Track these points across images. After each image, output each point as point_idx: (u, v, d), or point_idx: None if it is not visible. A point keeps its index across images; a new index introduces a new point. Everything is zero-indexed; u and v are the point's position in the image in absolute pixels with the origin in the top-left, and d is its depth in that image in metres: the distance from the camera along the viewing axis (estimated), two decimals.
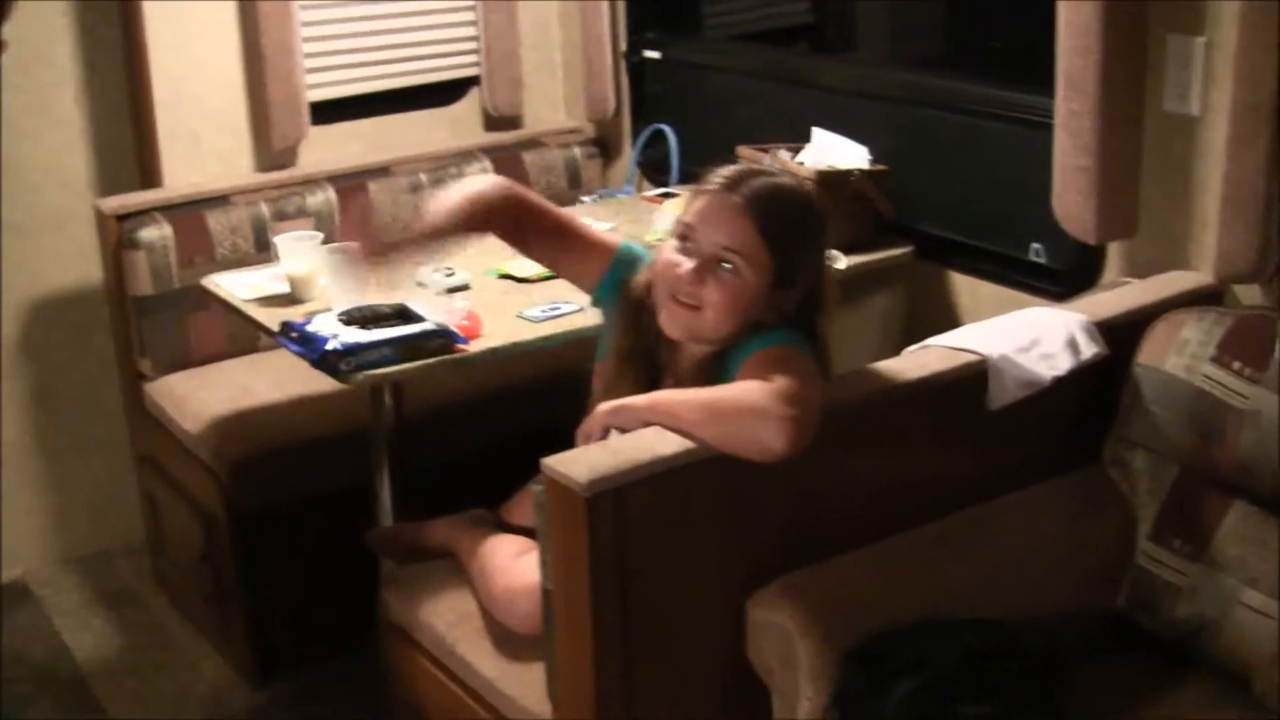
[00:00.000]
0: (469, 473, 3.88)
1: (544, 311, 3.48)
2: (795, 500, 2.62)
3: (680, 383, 2.68)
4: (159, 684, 4.11)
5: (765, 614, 2.55)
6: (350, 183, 4.57)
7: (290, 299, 3.64)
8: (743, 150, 4.01)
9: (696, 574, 2.57)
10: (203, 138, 4.49)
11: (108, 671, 4.19)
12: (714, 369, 2.64)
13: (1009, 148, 3.70)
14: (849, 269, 3.65)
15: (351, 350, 3.13)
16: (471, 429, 4.15)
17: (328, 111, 4.67)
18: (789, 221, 2.61)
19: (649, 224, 4.07)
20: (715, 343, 2.64)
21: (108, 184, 4.50)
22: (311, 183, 4.53)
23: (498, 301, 3.60)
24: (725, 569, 2.59)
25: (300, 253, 3.62)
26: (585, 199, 4.66)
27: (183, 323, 4.30)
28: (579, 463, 2.41)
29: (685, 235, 2.62)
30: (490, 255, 3.80)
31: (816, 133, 3.93)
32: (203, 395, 4.17)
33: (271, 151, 4.56)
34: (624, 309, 2.78)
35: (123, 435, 4.64)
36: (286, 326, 3.30)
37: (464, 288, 3.68)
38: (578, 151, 4.95)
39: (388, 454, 3.48)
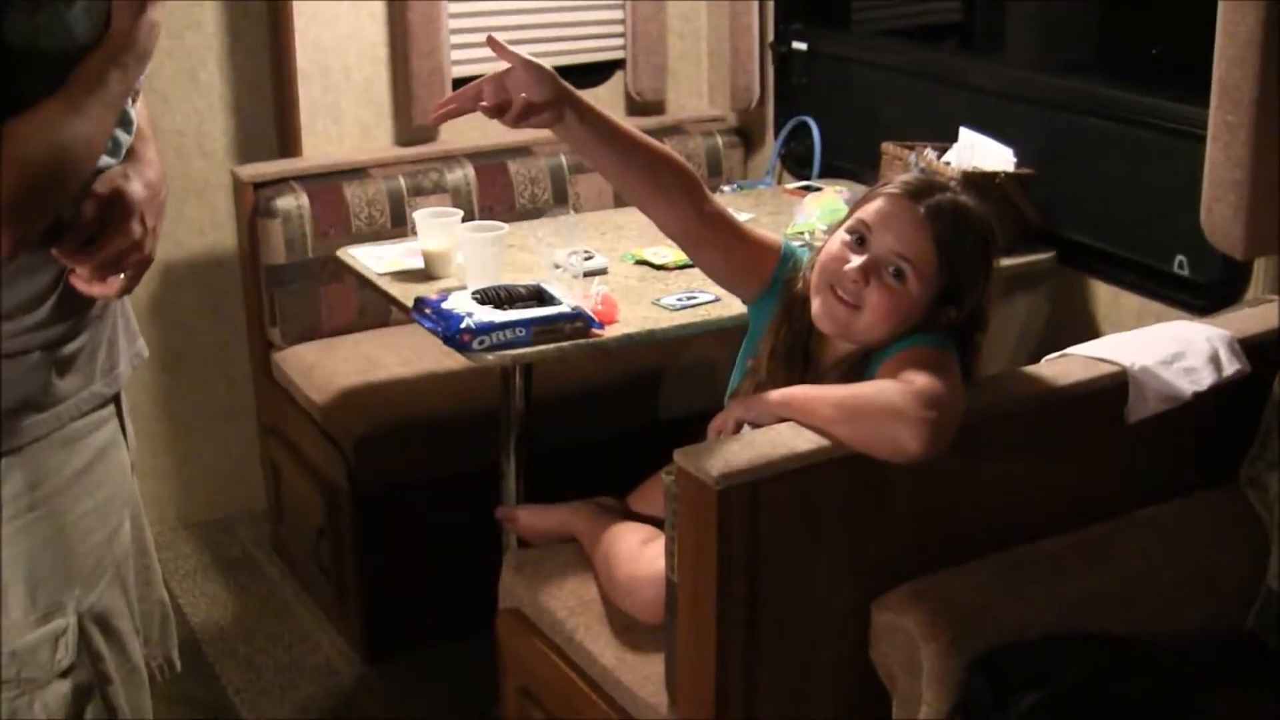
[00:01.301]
0: (596, 457, 3.88)
1: (680, 300, 3.43)
2: (927, 504, 2.58)
3: (823, 378, 2.63)
4: (272, 653, 4.12)
5: (891, 617, 2.50)
6: (490, 161, 4.56)
7: (425, 275, 3.62)
8: (888, 147, 3.95)
9: (824, 573, 2.53)
10: (344, 109, 4.51)
11: (221, 637, 4.20)
12: (858, 367, 2.59)
13: (1158, 157, 3.64)
14: None
15: (485, 329, 3.10)
16: (601, 413, 4.13)
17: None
18: (966, 242, 2.55)
19: (789, 217, 4.02)
20: (864, 343, 2.59)
21: (247, 152, 4.52)
22: (450, 159, 4.53)
23: (634, 288, 3.56)
24: (852, 569, 2.55)
25: (438, 229, 3.60)
26: (725, 188, 4.61)
27: (315, 294, 4.30)
28: (712, 455, 2.37)
29: (858, 232, 2.55)
30: (628, 240, 3.79)
31: (964, 133, 3.87)
32: (331, 367, 4.17)
33: (411, 126, 4.57)
34: (781, 306, 2.73)
35: (249, 403, 4.66)
36: (420, 302, 3.27)
37: (601, 272, 3.63)
38: (720, 140, 4.91)
39: (515, 435, 3.44)
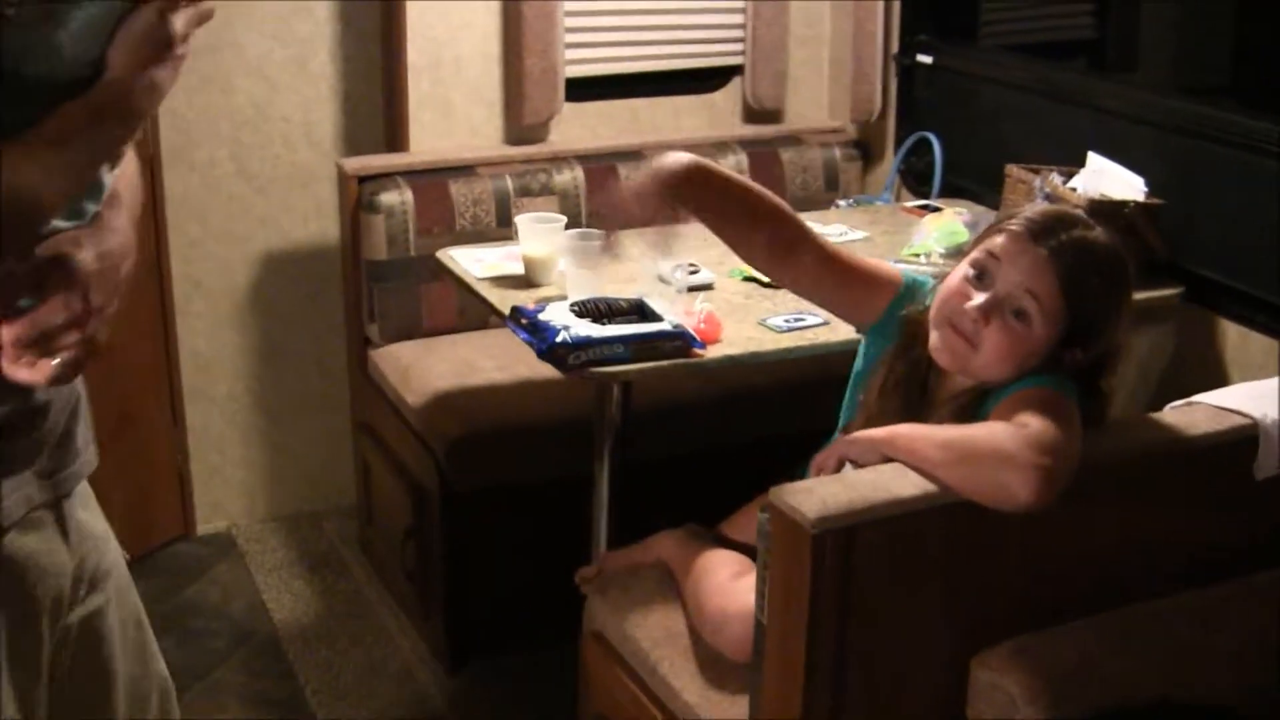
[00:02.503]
0: (689, 472, 3.82)
1: (787, 321, 3.31)
2: (1034, 556, 2.43)
3: (936, 413, 2.53)
4: (352, 655, 4.04)
5: (991, 676, 2.36)
6: (600, 163, 4.43)
7: (525, 281, 3.52)
8: (1012, 170, 3.81)
9: (920, 624, 2.40)
10: (454, 105, 4.41)
11: (302, 636, 4.13)
12: (973, 405, 2.48)
13: None
14: None
15: (582, 344, 2.99)
16: (697, 429, 4.00)
17: (583, 89, 4.56)
18: (1094, 283, 2.43)
19: (905, 236, 3.88)
20: (982, 381, 2.48)
21: (353, 144, 4.45)
22: (560, 160, 4.43)
23: (740, 305, 3.44)
24: (951, 622, 2.41)
25: (540, 235, 3.50)
26: (841, 203, 4.48)
27: (415, 292, 4.22)
28: (810, 496, 2.25)
29: (980, 268, 2.46)
30: (735, 256, 3.66)
31: (1093, 158, 3.72)
32: (428, 368, 4.08)
33: (522, 125, 4.47)
34: (902, 338, 2.63)
35: (343, 398, 4.58)
36: (517, 312, 3.17)
37: (706, 287, 3.52)
38: (838, 152, 4.75)
39: (609, 450, 3.33)
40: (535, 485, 3.84)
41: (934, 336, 2.48)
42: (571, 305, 3.14)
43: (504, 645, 3.98)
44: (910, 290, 2.65)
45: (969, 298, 2.43)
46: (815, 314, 3.29)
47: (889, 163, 4.71)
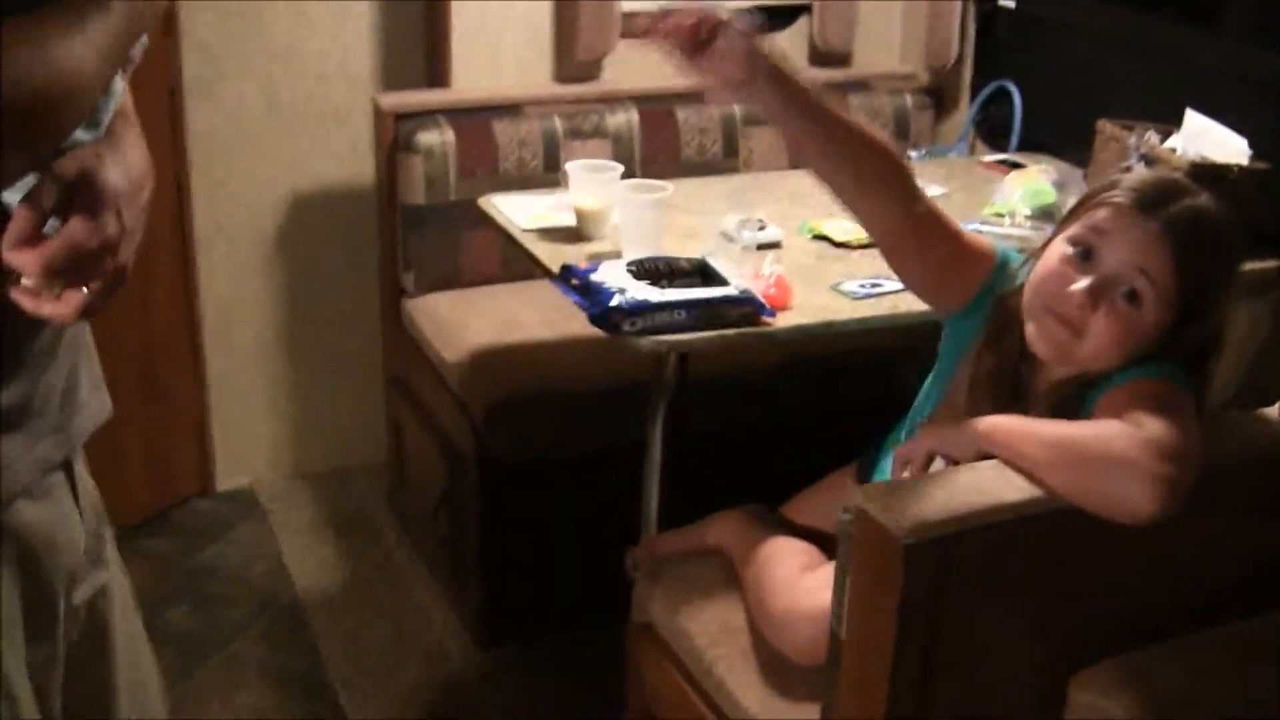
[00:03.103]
0: (749, 446, 3.59)
1: (863, 287, 3.04)
2: (1145, 568, 2.17)
3: (1032, 407, 2.26)
4: (379, 627, 3.79)
5: (1093, 699, 2.12)
6: (656, 106, 4.15)
7: (576, 235, 3.25)
8: (1105, 126, 3.53)
9: (1016, 642, 2.14)
10: (500, 40, 4.11)
11: (328, 605, 3.88)
12: (1074, 397, 2.22)
13: None
14: None
15: (639, 309, 2.72)
16: (758, 398, 3.73)
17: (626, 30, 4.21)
18: (1211, 256, 2.15)
19: (984, 194, 3.60)
20: (1086, 370, 2.20)
21: (393, 80, 4.16)
22: (613, 101, 4.15)
23: (811, 266, 3.17)
24: (1050, 639, 2.16)
25: (594, 185, 3.22)
26: (912, 154, 4.19)
27: (454, 239, 3.93)
28: (901, 500, 1.98)
29: (1083, 244, 2.17)
30: (806, 209, 3.40)
31: (1191, 116, 3.42)
32: (467, 322, 3.81)
33: (574, 62, 4.17)
34: (991, 325, 2.35)
35: (376, 351, 4.32)
36: (568, 271, 2.90)
37: (774, 245, 3.25)
38: (909, 100, 4.45)
39: (663, 423, 3.05)
40: (582, 455, 3.58)
41: (1031, 327, 2.21)
42: (628, 265, 2.86)
43: (542, 626, 3.72)
44: (1003, 269, 2.37)
45: (1071, 280, 2.15)
46: (893, 278, 2.99)
47: (964, 113, 4.43)
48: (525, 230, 3.27)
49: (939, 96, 4.53)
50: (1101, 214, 2.16)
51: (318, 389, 4.43)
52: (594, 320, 2.73)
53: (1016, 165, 3.86)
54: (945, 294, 2.42)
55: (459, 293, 3.98)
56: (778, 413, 3.72)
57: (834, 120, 2.24)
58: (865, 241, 3.20)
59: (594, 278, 2.80)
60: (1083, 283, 2.13)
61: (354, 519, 4.30)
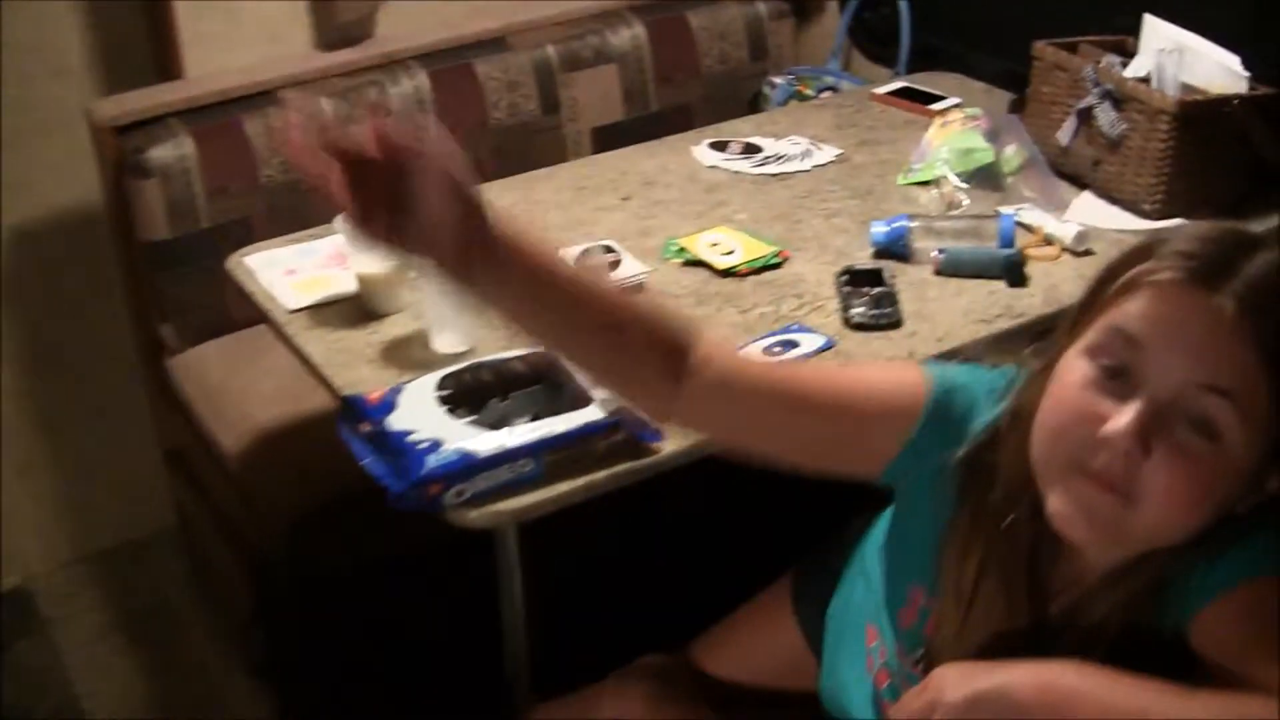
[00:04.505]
0: (629, 571, 2.80)
1: (776, 344, 2.20)
2: None
3: (1078, 614, 1.49)
4: None
5: None
6: (449, 62, 3.30)
7: (363, 307, 2.40)
8: (1044, 51, 2.75)
9: None
10: (237, 7, 3.21)
11: None
12: (1145, 599, 1.45)
13: None
14: None
15: (464, 470, 1.88)
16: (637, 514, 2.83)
17: None
18: None
19: (897, 152, 2.85)
20: (1146, 547, 1.44)
21: (116, 75, 3.25)
22: (395, 65, 3.27)
23: (692, 316, 2.32)
24: None
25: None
26: (776, 81, 3.36)
27: (216, 274, 2.92)
28: None
29: (1113, 360, 1.39)
30: (667, 212, 2.64)
31: (1154, 25, 2.61)
32: (244, 387, 2.96)
33: (336, 22, 3.29)
34: (961, 490, 1.57)
35: (145, 407, 3.44)
36: (354, 410, 2.04)
37: (638, 288, 2.41)
38: (763, 9, 3.61)
39: (519, 599, 2.25)
40: (399, 556, 2.76)
41: (1055, 499, 1.42)
42: (440, 383, 2.03)
43: None
44: (946, 401, 1.58)
45: (1102, 416, 1.37)
46: (812, 328, 2.21)
47: (834, 20, 3.56)
48: (293, 312, 2.39)
49: (799, 2, 3.69)
50: (1136, 304, 1.38)
51: (86, 457, 3.57)
52: (399, 502, 1.88)
53: (921, 96, 3.05)
54: (865, 461, 1.61)
55: (232, 340, 3.12)
56: (666, 522, 2.88)
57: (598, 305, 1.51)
58: (762, 260, 2.41)
59: (393, 422, 1.95)
60: (1122, 419, 1.35)
61: (152, 611, 3.50)
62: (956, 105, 2.99)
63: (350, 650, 2.86)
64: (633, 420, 1.97)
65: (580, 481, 1.95)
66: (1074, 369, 1.40)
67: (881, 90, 3.16)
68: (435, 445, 1.89)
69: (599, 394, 1.99)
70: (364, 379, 2.18)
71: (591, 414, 1.96)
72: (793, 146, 2.88)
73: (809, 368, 1.71)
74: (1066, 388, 1.40)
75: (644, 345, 1.51)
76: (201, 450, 3.04)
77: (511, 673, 2.32)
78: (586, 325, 1.49)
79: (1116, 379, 1.37)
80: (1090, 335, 1.40)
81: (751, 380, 1.54)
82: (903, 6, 3.32)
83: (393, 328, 2.34)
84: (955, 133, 2.73)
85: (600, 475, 1.96)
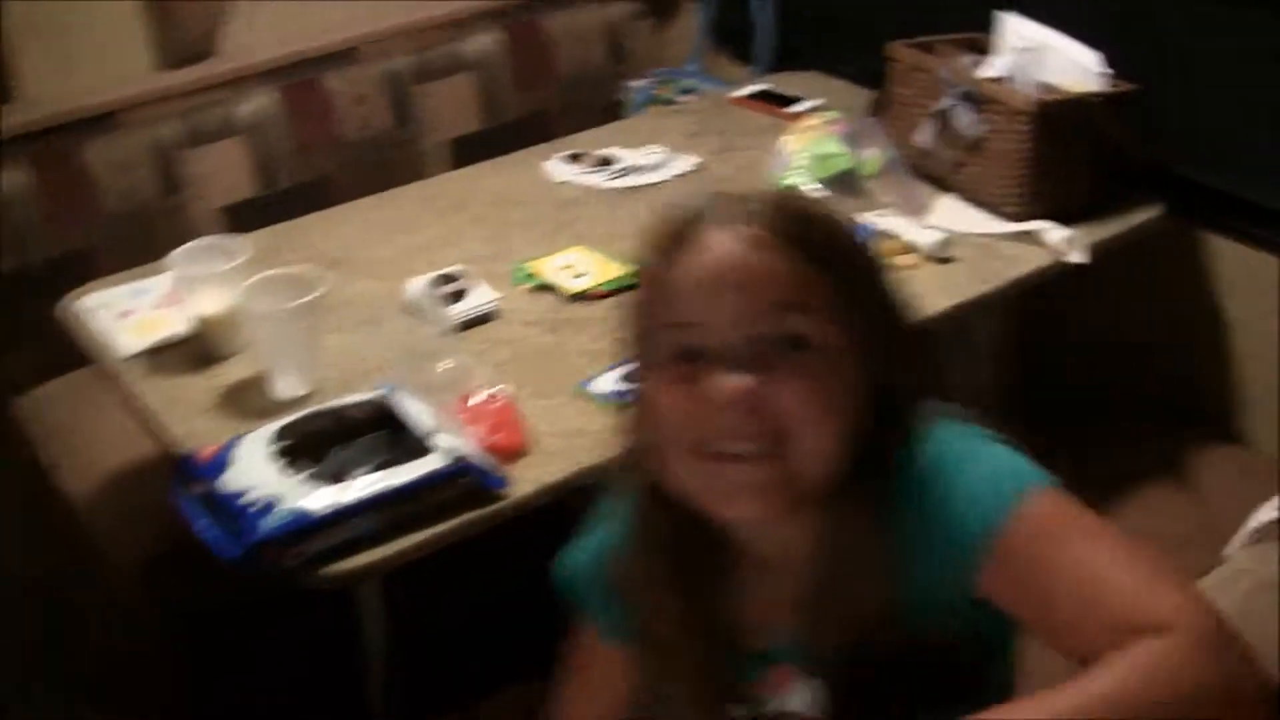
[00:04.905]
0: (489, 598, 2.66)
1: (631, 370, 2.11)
2: None
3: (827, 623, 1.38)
4: None
5: None
6: (297, 77, 3.24)
7: (202, 350, 2.28)
8: (901, 51, 2.66)
9: None
10: (72, 24, 3.08)
11: None
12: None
13: None
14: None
15: (302, 530, 1.78)
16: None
17: None
18: (820, 231, 1.35)
19: (754, 157, 2.79)
20: (802, 494, 1.31)
21: None
22: (241, 81, 3.20)
23: (542, 350, 2.27)
24: None
25: (212, 282, 2.23)
26: (636, 85, 3.27)
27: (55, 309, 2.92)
28: None
29: (676, 345, 1.30)
30: (516, 231, 2.61)
31: (1008, 23, 2.56)
32: (92, 428, 2.87)
33: (178, 39, 3.18)
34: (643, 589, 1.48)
35: None
36: (186, 470, 1.93)
37: (484, 320, 2.31)
38: (620, 10, 3.57)
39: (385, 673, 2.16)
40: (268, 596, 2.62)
41: (709, 496, 1.32)
42: (277, 435, 1.92)
43: None
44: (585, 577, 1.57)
45: (708, 394, 1.28)
46: None
47: (692, 19, 3.47)
48: (130, 358, 2.29)
49: (657, 1, 3.63)
50: (676, 286, 1.31)
51: None
52: (237, 567, 1.78)
53: (780, 99, 3.00)
54: None
55: (81, 376, 2.96)
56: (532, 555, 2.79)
57: None
58: (614, 283, 2.34)
59: (225, 483, 1.85)
60: (724, 381, 1.27)
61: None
62: (816, 108, 2.92)
63: (211, 691, 2.75)
64: (473, 467, 1.88)
65: (425, 534, 1.86)
66: (653, 390, 1.32)
67: (740, 93, 3.10)
68: (269, 506, 1.79)
69: (440, 441, 1.90)
70: (201, 431, 2.08)
71: (433, 462, 1.87)
72: (649, 157, 2.80)
73: None
74: (662, 402, 1.31)
75: None
76: (49, 492, 2.93)
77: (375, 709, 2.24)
78: None
79: (693, 363, 1.28)
80: (640, 346, 1.35)
81: None
82: (762, 4, 3.24)
83: (232, 372, 2.23)
84: (814, 138, 2.66)
85: (445, 526, 1.87)
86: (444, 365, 2.10)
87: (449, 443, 1.90)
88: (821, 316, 1.28)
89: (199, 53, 3.20)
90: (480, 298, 2.33)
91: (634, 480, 1.42)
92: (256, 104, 3.14)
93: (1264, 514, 1.96)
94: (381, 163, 3.21)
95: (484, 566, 2.63)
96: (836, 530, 1.33)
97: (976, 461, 1.31)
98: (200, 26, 3.15)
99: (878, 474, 1.32)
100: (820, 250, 1.31)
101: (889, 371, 1.33)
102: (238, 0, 3.19)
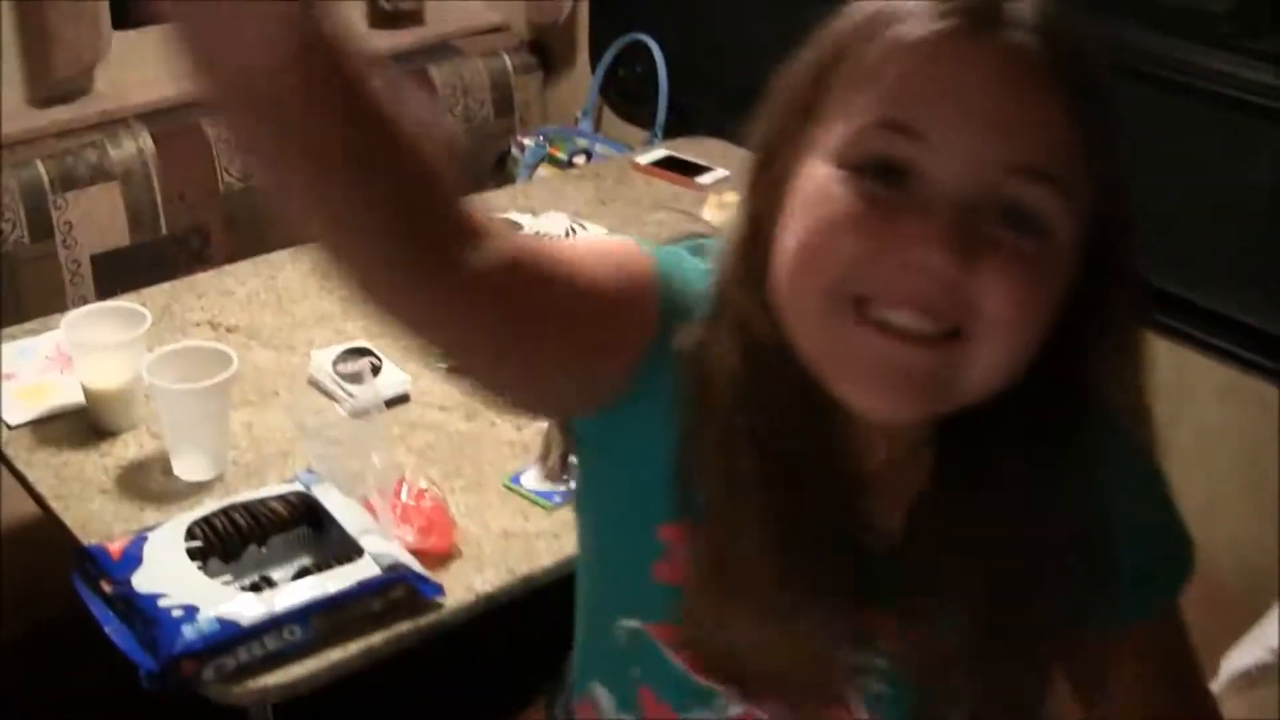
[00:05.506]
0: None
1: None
2: None
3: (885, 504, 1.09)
4: None
5: None
6: (174, 121, 3.04)
7: (93, 423, 2.14)
8: None
9: None
10: None
11: None
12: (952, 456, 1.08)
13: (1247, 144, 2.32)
14: None
15: (222, 644, 1.66)
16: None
17: (136, 12, 3.04)
18: (1099, 80, 1.01)
19: (674, 230, 2.60)
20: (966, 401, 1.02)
21: None
22: (115, 123, 3.02)
23: (462, 437, 2.14)
24: None
25: (107, 355, 2.10)
26: (526, 142, 3.17)
27: None
28: None
29: (879, 153, 0.96)
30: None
31: None
32: None
33: (52, 79, 3.00)
34: (692, 410, 1.07)
35: None
36: (89, 567, 1.80)
37: (401, 400, 2.20)
38: (508, 61, 3.43)
39: None
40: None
41: (843, 371, 0.99)
42: (194, 530, 1.79)
43: None
44: (668, 284, 1.06)
45: (887, 231, 0.96)
46: None
47: (584, 74, 3.37)
48: (13, 428, 2.14)
49: (547, 54, 3.50)
50: (892, 83, 0.97)
51: None
52: (152, 682, 1.65)
53: (686, 167, 2.89)
54: (590, 387, 1.06)
55: None
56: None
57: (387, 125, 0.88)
58: None
59: (140, 583, 1.71)
60: (931, 232, 0.95)
61: None
62: (724, 178, 2.83)
63: None
64: (406, 574, 1.76)
65: (356, 646, 1.73)
66: (821, 176, 0.98)
67: (644, 159, 2.97)
68: (191, 612, 1.66)
69: (369, 544, 1.78)
70: (99, 514, 1.94)
71: (366, 569, 1.74)
72: (554, 224, 2.69)
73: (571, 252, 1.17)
74: (824, 201, 0.97)
75: (448, 193, 0.92)
76: None
77: None
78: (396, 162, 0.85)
79: (890, 185, 0.96)
80: (831, 141, 0.98)
81: (532, 256, 0.98)
82: (660, 64, 3.15)
83: (128, 448, 2.09)
84: (730, 207, 2.57)
85: (378, 638, 1.75)
86: (362, 454, 1.98)
87: (379, 546, 1.78)
88: (1068, 199, 0.97)
89: (72, 92, 3.03)
90: (392, 377, 2.20)
91: (738, 324, 1.05)
92: (132, 149, 2.97)
93: (1247, 656, 1.89)
94: (266, 215, 3.07)
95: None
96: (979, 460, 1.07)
97: (1174, 507, 1.14)
98: (77, 67, 2.98)
99: (1068, 408, 1.06)
100: (1093, 108, 0.99)
101: (1101, 284, 1.02)
102: (118, 32, 3.02)
